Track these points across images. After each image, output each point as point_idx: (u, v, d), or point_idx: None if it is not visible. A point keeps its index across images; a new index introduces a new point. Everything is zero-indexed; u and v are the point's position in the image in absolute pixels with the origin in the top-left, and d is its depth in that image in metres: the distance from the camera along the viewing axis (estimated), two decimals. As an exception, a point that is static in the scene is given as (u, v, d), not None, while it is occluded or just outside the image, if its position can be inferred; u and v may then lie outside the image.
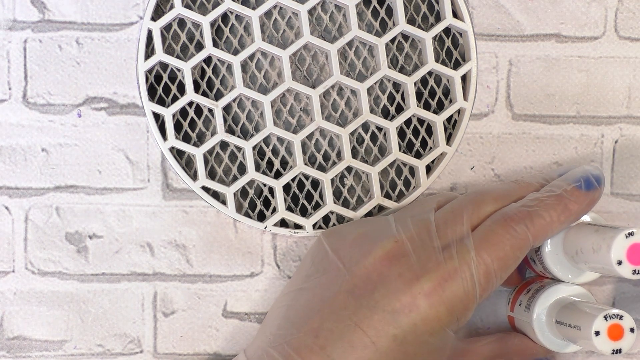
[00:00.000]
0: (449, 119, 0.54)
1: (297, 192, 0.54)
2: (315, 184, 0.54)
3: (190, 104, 0.53)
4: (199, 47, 0.53)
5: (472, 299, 0.45)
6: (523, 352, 0.51)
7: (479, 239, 0.45)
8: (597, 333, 0.45)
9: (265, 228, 0.53)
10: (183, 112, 0.53)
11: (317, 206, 0.54)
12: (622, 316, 0.46)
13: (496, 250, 0.45)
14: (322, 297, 0.46)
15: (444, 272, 0.45)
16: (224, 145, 0.54)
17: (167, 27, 0.53)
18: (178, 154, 0.53)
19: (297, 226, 0.53)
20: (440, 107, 0.55)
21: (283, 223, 0.53)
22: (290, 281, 0.51)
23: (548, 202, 0.46)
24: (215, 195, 0.53)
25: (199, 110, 0.54)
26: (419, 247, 0.46)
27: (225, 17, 0.53)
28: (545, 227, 0.46)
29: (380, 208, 0.54)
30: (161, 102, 0.53)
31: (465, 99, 0.54)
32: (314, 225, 0.53)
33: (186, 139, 0.53)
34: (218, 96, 0.53)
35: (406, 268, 0.45)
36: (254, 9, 0.52)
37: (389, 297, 0.44)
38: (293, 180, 0.54)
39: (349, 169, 0.54)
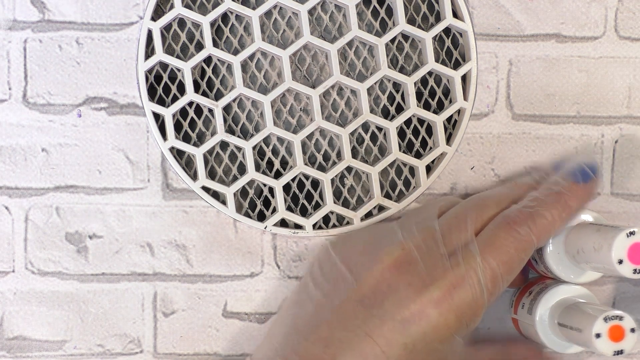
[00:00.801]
0: (449, 119, 0.54)
1: (297, 192, 0.54)
2: (315, 184, 0.54)
3: (190, 104, 0.53)
4: (199, 47, 0.53)
5: (480, 305, 0.45)
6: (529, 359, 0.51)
7: (483, 244, 0.45)
8: (598, 335, 0.45)
9: (265, 228, 0.53)
10: (183, 112, 0.53)
11: (317, 206, 0.54)
12: (622, 317, 0.45)
13: (501, 254, 0.45)
14: (331, 306, 0.46)
15: (452, 279, 0.45)
16: (224, 145, 0.53)
17: (167, 27, 0.53)
18: (178, 154, 0.53)
19: (297, 226, 0.53)
20: (440, 107, 0.55)
21: (283, 223, 0.53)
22: (296, 290, 0.50)
23: (548, 201, 0.46)
24: (215, 195, 0.53)
25: (199, 110, 0.53)
26: (426, 254, 0.46)
27: (225, 17, 0.53)
28: (548, 226, 0.46)
29: (380, 208, 0.54)
30: (161, 102, 0.53)
31: (465, 99, 0.54)
32: (314, 225, 0.53)
33: (186, 139, 0.53)
34: (218, 96, 0.53)
35: (415, 276, 0.45)
36: (254, 9, 0.52)
37: (399, 306, 0.44)
38: (293, 180, 0.54)
39: (349, 169, 0.54)
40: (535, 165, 0.53)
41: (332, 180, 0.54)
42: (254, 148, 0.53)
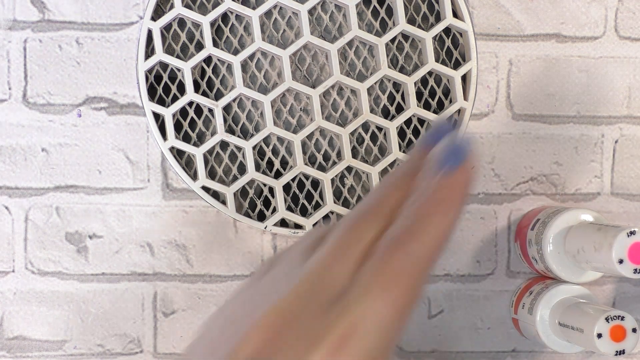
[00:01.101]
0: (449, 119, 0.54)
1: (297, 192, 0.54)
2: (315, 183, 0.54)
3: (190, 103, 0.53)
4: (199, 47, 0.53)
5: (383, 351, 0.35)
6: None
7: (375, 276, 0.34)
8: (599, 335, 0.45)
9: (265, 228, 0.53)
10: (183, 112, 0.53)
11: (317, 206, 0.54)
12: (623, 317, 0.45)
13: (398, 282, 0.34)
14: None
15: (343, 329, 0.33)
16: (224, 145, 0.53)
17: (167, 27, 0.53)
18: (178, 153, 0.53)
19: (297, 226, 0.53)
20: (440, 107, 0.55)
21: (283, 223, 0.53)
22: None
23: (431, 204, 0.37)
24: (215, 195, 0.53)
25: (199, 110, 0.53)
26: (307, 306, 0.34)
27: (225, 17, 0.53)
28: (442, 232, 0.35)
29: (381, 208, 0.54)
30: (161, 102, 0.53)
31: (465, 98, 0.54)
32: (314, 225, 0.53)
33: (186, 139, 0.53)
34: (218, 96, 0.53)
35: (300, 333, 0.34)
36: (254, 9, 0.52)
37: None
38: (293, 180, 0.54)
39: (349, 168, 0.54)
40: (409, 151, 0.47)
41: (332, 180, 0.54)
42: (254, 148, 0.53)
